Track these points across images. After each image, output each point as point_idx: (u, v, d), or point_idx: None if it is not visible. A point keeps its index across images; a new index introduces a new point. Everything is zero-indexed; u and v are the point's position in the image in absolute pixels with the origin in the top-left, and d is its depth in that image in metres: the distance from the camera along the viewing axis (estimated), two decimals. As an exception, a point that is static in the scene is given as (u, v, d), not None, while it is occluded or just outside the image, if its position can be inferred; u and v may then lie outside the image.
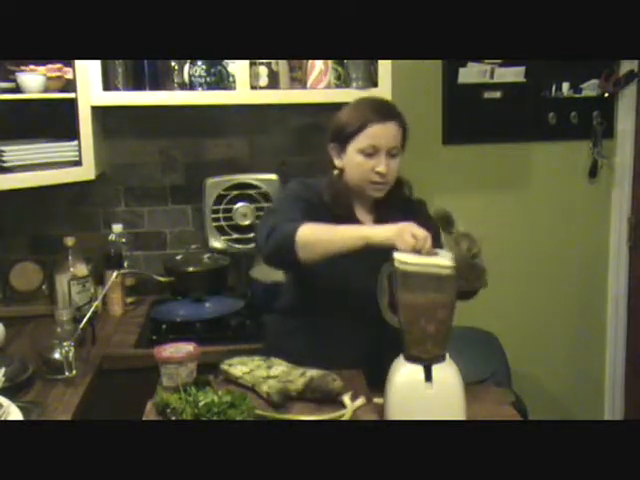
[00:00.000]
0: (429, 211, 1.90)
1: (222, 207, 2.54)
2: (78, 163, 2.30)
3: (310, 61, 2.38)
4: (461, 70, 2.73)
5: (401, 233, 1.49)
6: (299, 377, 1.56)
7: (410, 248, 1.46)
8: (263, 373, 1.59)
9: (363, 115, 1.74)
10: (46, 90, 2.24)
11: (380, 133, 1.72)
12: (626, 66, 2.81)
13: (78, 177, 2.32)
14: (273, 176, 2.59)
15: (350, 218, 1.78)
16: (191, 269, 2.42)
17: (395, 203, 1.83)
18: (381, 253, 1.53)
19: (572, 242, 2.92)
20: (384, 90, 2.34)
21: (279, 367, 1.61)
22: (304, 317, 1.82)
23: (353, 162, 1.75)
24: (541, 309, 2.95)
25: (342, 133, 1.76)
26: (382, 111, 1.75)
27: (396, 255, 1.47)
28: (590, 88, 2.82)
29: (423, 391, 1.44)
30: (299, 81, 2.43)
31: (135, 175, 2.64)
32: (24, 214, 2.59)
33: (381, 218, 1.80)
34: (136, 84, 2.37)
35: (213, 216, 2.55)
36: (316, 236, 1.60)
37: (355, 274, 1.74)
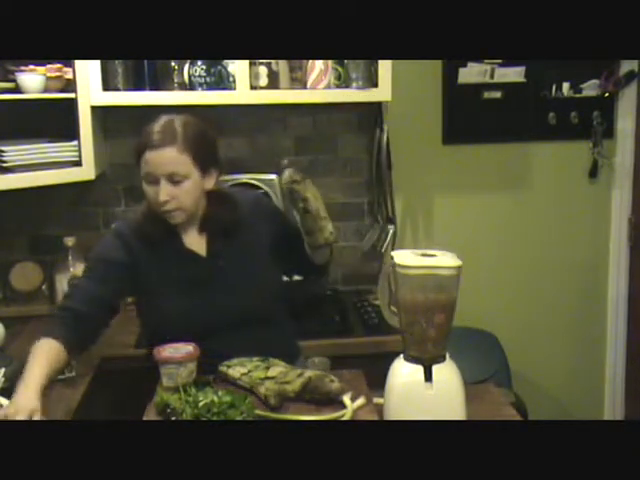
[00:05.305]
0: (268, 204, 2.04)
1: (222, 207, 2.53)
2: (78, 163, 2.30)
3: (310, 61, 2.38)
4: (461, 70, 2.73)
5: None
6: (297, 378, 1.55)
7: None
8: (261, 374, 1.58)
9: (140, 142, 1.69)
10: (46, 90, 2.24)
11: (153, 160, 1.66)
12: (626, 66, 2.81)
13: (78, 177, 2.33)
14: (273, 176, 2.58)
15: (177, 244, 1.77)
16: (191, 269, 2.42)
17: (221, 223, 1.79)
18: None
19: (572, 242, 2.92)
20: (384, 90, 2.34)
21: (277, 368, 1.61)
22: None
23: (145, 190, 1.72)
24: (541, 309, 2.94)
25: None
26: (156, 137, 1.66)
27: (396, 255, 1.47)
28: (590, 88, 2.82)
29: (423, 391, 1.44)
30: (299, 81, 2.43)
31: (135, 175, 2.60)
32: (24, 214, 2.58)
33: (212, 239, 1.79)
34: (136, 84, 2.37)
35: (213, 216, 2.54)
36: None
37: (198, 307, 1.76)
